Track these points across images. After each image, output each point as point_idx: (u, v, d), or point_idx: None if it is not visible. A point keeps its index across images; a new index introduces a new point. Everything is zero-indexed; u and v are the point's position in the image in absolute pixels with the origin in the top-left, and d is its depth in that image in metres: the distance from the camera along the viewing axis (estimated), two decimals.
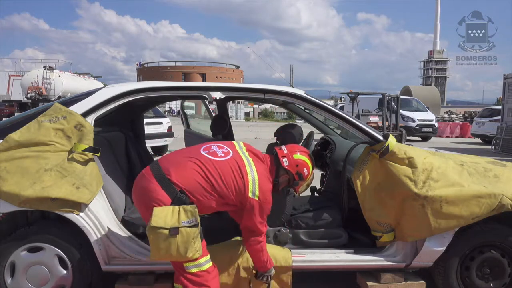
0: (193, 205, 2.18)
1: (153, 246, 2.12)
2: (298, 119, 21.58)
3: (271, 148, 2.65)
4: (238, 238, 2.78)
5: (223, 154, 2.35)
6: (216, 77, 77.81)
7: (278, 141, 3.05)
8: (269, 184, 2.39)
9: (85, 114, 2.67)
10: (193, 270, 2.20)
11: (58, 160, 2.52)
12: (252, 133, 20.69)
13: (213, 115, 4.62)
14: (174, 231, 2.09)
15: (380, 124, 13.66)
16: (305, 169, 2.49)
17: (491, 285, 2.77)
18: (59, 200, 2.45)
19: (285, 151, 2.49)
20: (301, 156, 2.49)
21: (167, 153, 2.53)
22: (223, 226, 3.39)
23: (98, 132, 3.01)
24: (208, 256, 2.28)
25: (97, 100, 2.74)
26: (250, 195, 2.29)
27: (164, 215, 2.11)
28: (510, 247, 2.75)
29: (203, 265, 2.22)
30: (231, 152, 2.37)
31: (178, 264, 2.22)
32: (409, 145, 3.07)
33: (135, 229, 2.78)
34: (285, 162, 2.45)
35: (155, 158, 4.27)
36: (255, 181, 2.31)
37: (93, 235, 2.56)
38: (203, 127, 4.79)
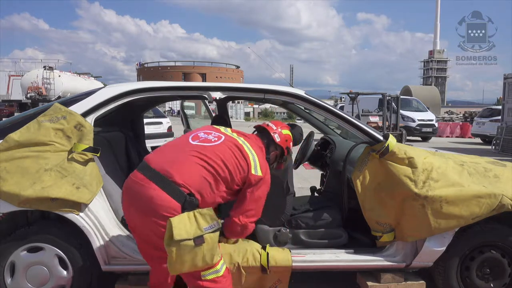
0: (208, 208, 2.01)
1: (177, 260, 1.90)
2: (298, 119, 21.59)
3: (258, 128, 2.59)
4: (240, 239, 2.78)
5: (216, 139, 2.21)
6: (216, 77, 77.81)
7: None
8: (264, 159, 2.33)
9: (85, 114, 2.67)
10: (210, 277, 2.05)
11: (58, 160, 2.51)
12: None
13: (213, 115, 4.62)
14: (199, 240, 1.90)
15: (380, 124, 13.66)
16: (291, 143, 2.56)
17: (491, 285, 2.77)
18: (59, 200, 2.45)
19: (274, 127, 2.49)
20: (287, 131, 2.54)
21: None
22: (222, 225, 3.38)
23: (98, 132, 3.01)
24: (223, 259, 2.15)
25: (97, 100, 2.73)
26: (253, 171, 2.18)
27: (184, 225, 1.90)
28: (510, 247, 2.75)
29: (220, 271, 2.08)
30: (222, 135, 2.25)
31: (194, 274, 2.04)
32: (409, 145, 3.07)
33: None
34: (276, 138, 2.46)
35: None
36: (255, 157, 2.22)
37: (93, 235, 2.55)
38: None
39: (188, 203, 1.97)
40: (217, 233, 2.00)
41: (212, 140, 2.20)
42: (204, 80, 69.60)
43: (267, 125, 2.53)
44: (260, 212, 2.30)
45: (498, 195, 2.62)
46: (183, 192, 1.98)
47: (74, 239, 2.59)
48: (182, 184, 1.99)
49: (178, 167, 2.03)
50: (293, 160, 3.23)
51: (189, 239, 1.89)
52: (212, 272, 2.06)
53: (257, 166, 2.20)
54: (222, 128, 2.37)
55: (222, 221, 2.30)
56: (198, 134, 2.26)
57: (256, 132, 2.54)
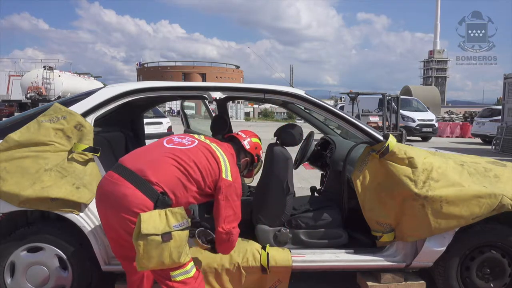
0: (180, 207, 2.06)
1: (144, 255, 1.94)
2: (298, 119, 21.56)
3: (230, 137, 2.67)
4: (240, 239, 2.78)
5: (189, 143, 2.29)
6: (216, 77, 77.84)
7: (278, 141, 3.05)
8: (235, 165, 2.39)
9: (85, 114, 2.67)
10: (180, 278, 2.06)
11: (58, 160, 2.51)
12: None
13: (213, 115, 4.62)
14: (167, 236, 1.94)
15: (380, 124, 13.66)
16: (261, 151, 2.68)
17: (491, 285, 2.77)
18: (59, 200, 2.45)
19: (244, 135, 2.61)
20: (257, 140, 2.66)
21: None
22: None
23: (98, 132, 3.01)
24: (192, 261, 2.16)
25: (97, 100, 2.73)
26: (224, 175, 2.24)
27: (153, 221, 1.94)
28: (510, 247, 2.75)
29: (190, 272, 2.09)
30: (195, 140, 2.33)
31: (163, 273, 2.07)
32: (409, 145, 3.07)
33: None
34: (246, 145, 2.57)
35: None
36: (226, 162, 2.29)
37: (93, 235, 2.55)
38: (203, 127, 4.79)
39: (161, 202, 2.02)
40: (186, 232, 2.04)
41: (186, 143, 2.28)
42: (204, 80, 69.62)
43: (237, 133, 2.65)
44: (240, 215, 2.33)
45: (498, 195, 2.62)
46: (157, 190, 2.03)
47: (74, 239, 2.59)
48: (156, 183, 2.04)
49: (153, 167, 2.09)
50: (293, 160, 3.23)
51: (157, 235, 1.92)
52: (181, 272, 2.07)
53: (227, 170, 2.27)
54: (196, 135, 2.46)
55: (198, 220, 2.36)
56: (173, 138, 2.35)
57: (227, 141, 2.61)
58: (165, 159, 2.14)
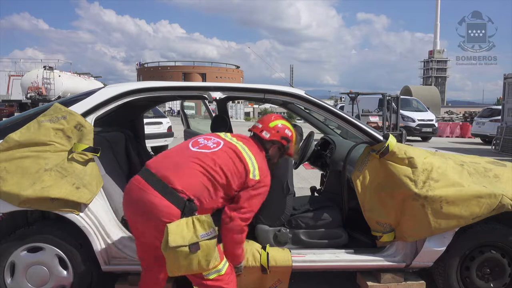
0: (207, 215, 2.05)
1: (174, 264, 1.97)
2: (298, 119, 21.60)
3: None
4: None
5: (214, 145, 2.25)
6: (216, 77, 77.89)
7: None
8: (264, 162, 2.35)
9: (85, 114, 2.67)
10: (212, 277, 2.09)
11: (58, 160, 2.51)
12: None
13: (213, 115, 4.62)
14: (195, 247, 1.94)
15: (380, 124, 13.67)
16: (287, 131, 2.48)
17: (491, 285, 2.77)
18: (59, 200, 2.45)
19: (260, 125, 2.48)
20: (276, 121, 2.48)
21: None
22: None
23: (98, 132, 3.01)
24: (225, 259, 2.19)
25: (97, 100, 2.73)
26: (251, 176, 2.22)
27: (180, 231, 1.94)
28: (510, 247, 2.75)
29: (222, 270, 2.12)
30: (221, 141, 2.30)
31: (197, 274, 2.09)
32: (409, 145, 3.07)
33: None
34: (265, 135, 2.43)
35: None
36: (253, 162, 2.26)
37: (93, 235, 2.55)
38: (203, 127, 4.79)
39: (188, 209, 2.02)
40: (214, 241, 2.02)
41: (211, 146, 2.25)
42: (204, 80, 69.63)
43: (254, 127, 2.53)
44: (253, 213, 2.31)
45: (498, 195, 2.62)
46: (183, 198, 2.03)
47: (74, 239, 2.59)
48: (182, 190, 2.04)
49: (178, 174, 2.09)
50: (293, 160, 3.23)
51: (185, 246, 1.93)
52: (213, 271, 2.09)
53: (255, 171, 2.25)
54: (222, 135, 2.41)
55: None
56: (198, 140, 2.31)
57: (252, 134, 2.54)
58: (191, 164, 2.13)
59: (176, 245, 1.91)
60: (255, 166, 2.25)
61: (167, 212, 2.00)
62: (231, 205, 2.25)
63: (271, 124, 2.46)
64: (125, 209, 2.20)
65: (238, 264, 2.41)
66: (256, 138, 2.47)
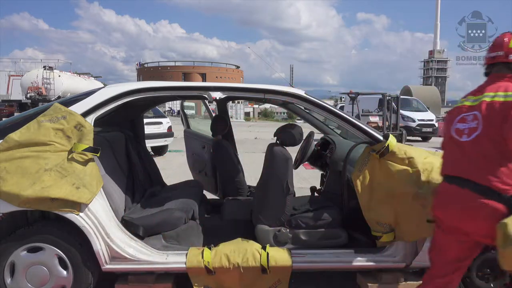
0: None
1: None
2: (298, 119, 21.56)
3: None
4: (240, 239, 2.79)
5: (474, 125, 2.06)
6: (216, 77, 77.94)
7: (278, 141, 3.05)
8: None
9: (85, 114, 2.67)
10: None
11: (58, 160, 2.51)
12: (252, 133, 20.68)
13: (213, 115, 4.62)
14: None
15: (380, 124, 13.67)
16: None
17: (491, 285, 2.77)
18: (59, 200, 2.45)
19: (500, 53, 2.11)
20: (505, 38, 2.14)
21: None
22: (222, 225, 3.39)
23: (98, 132, 3.01)
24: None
25: (97, 100, 2.73)
26: None
27: None
28: None
29: None
30: (476, 113, 2.06)
31: None
32: (409, 145, 3.07)
33: (135, 229, 2.79)
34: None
35: (154, 158, 4.28)
36: None
37: (93, 235, 2.55)
38: (203, 127, 4.79)
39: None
40: None
41: (472, 126, 2.07)
42: (204, 80, 69.66)
43: (493, 57, 2.14)
44: None
45: None
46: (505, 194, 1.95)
47: (74, 239, 2.59)
48: (501, 188, 1.96)
49: (479, 166, 2.01)
50: (293, 160, 3.23)
51: None
52: None
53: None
54: (475, 101, 2.12)
55: None
56: (458, 128, 2.15)
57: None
58: (477, 155, 2.02)
59: None
60: None
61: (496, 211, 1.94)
62: None
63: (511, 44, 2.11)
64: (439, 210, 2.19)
65: None
66: (503, 67, 2.12)
